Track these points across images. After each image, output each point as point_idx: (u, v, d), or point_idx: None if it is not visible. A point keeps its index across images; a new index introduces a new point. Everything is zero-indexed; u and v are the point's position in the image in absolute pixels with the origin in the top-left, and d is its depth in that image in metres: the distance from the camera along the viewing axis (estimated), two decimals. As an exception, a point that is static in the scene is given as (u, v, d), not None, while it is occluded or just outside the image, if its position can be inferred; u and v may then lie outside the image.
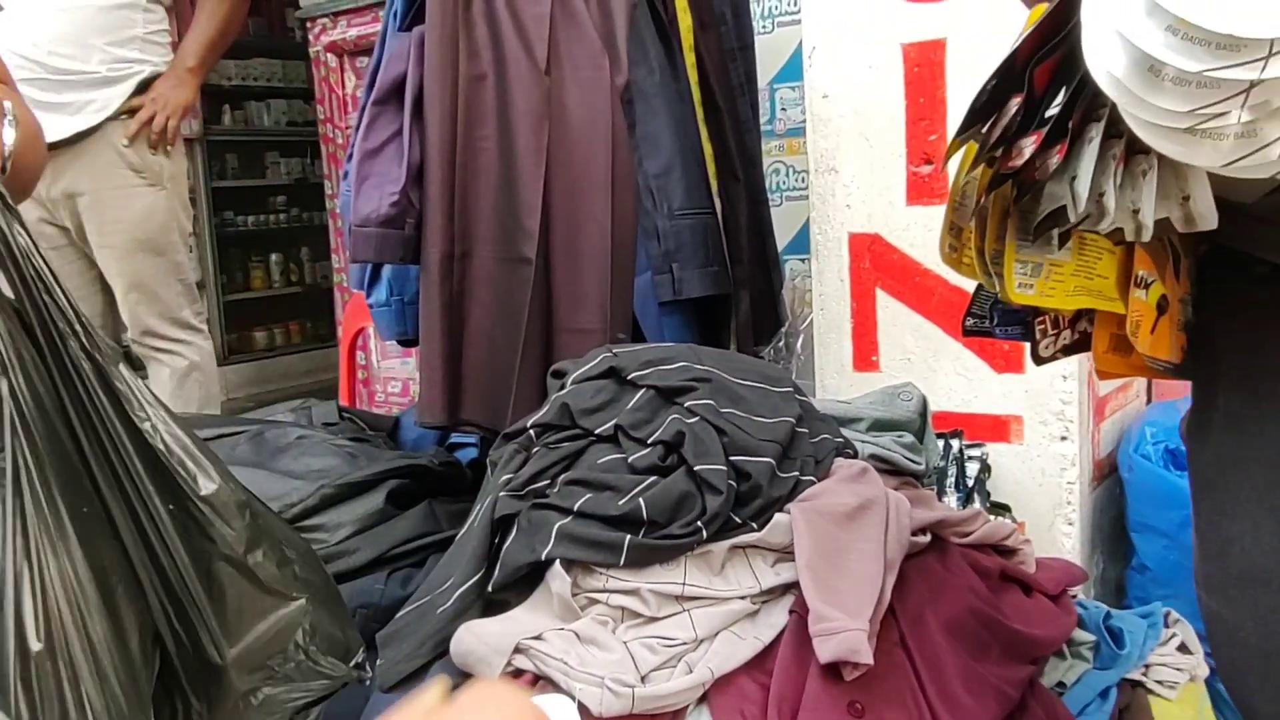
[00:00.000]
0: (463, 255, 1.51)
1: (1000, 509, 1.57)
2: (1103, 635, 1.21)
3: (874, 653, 0.92)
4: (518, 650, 0.95)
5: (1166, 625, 1.24)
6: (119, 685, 0.77)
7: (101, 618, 0.77)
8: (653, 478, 1.04)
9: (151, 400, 0.87)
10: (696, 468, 1.03)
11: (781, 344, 2.23)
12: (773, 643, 0.98)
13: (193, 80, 2.32)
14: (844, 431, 1.25)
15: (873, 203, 1.75)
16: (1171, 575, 1.70)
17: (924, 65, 1.67)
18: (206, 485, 0.88)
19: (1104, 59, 0.59)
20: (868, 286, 1.78)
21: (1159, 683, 1.18)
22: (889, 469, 1.25)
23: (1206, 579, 0.84)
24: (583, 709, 0.88)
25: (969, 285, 0.94)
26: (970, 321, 0.97)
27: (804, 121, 1.87)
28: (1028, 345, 0.93)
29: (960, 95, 1.63)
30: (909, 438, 1.33)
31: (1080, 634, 1.20)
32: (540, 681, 0.94)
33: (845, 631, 0.91)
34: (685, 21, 1.69)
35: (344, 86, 3.39)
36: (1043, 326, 0.92)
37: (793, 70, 2.45)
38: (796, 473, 1.09)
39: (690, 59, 1.70)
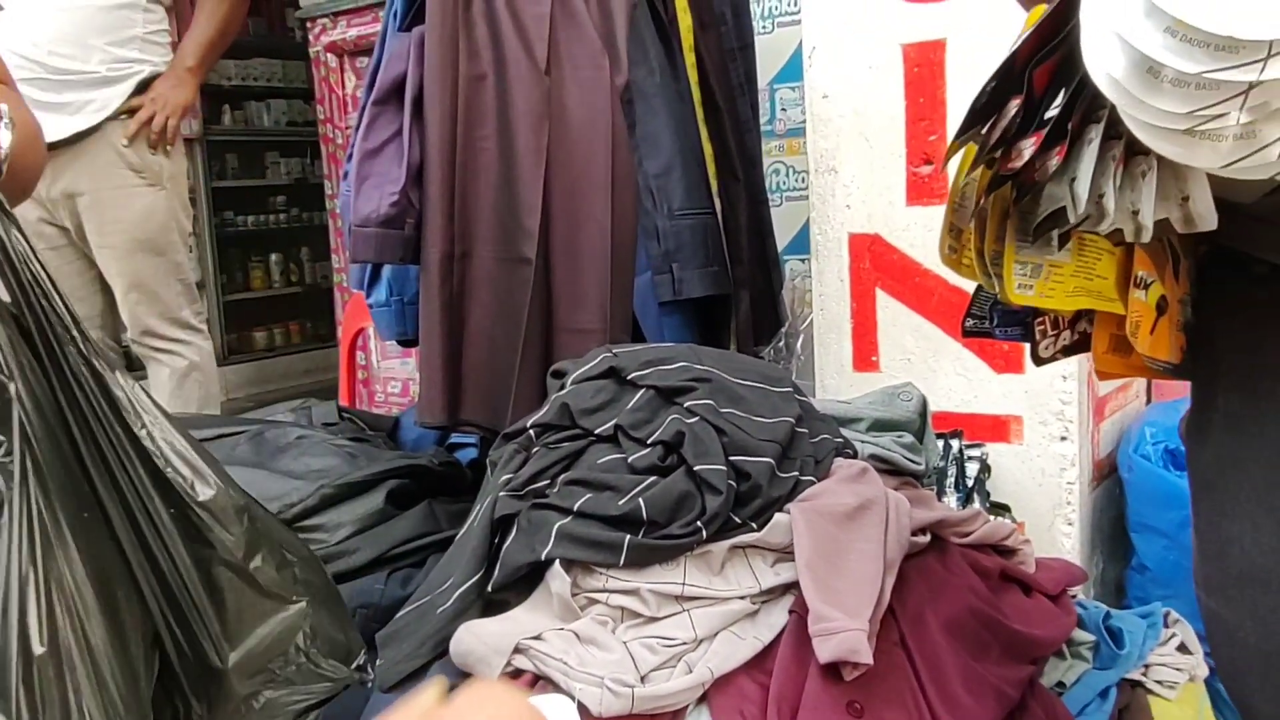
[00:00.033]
0: (463, 255, 1.51)
1: (1000, 509, 1.57)
2: (1102, 635, 1.21)
3: (874, 653, 0.92)
4: (517, 650, 0.95)
5: (1166, 625, 1.24)
6: (118, 689, 0.76)
7: (101, 622, 0.77)
8: (653, 478, 1.04)
9: (149, 406, 0.87)
10: (696, 468, 1.03)
11: (781, 344, 2.23)
12: (772, 643, 0.98)
13: (192, 80, 2.32)
14: (844, 431, 1.25)
15: (873, 203, 1.75)
16: (1171, 575, 1.70)
17: (924, 65, 1.67)
18: (204, 491, 0.88)
19: (1103, 60, 0.59)
20: (868, 287, 1.78)
21: (1159, 683, 1.18)
22: (889, 469, 1.25)
23: (1206, 579, 0.84)
24: (582, 709, 0.88)
25: (969, 286, 0.94)
26: (970, 322, 0.97)
27: (804, 121, 1.87)
28: (1027, 346, 0.93)
29: (960, 96, 1.63)
30: (909, 438, 1.33)
31: (1080, 634, 1.20)
32: (540, 681, 0.94)
33: (845, 631, 0.92)
34: (685, 21, 1.69)
35: (344, 86, 3.39)
36: (1042, 327, 0.92)
37: (793, 70, 2.45)
38: (796, 473, 1.09)
39: (690, 59, 1.70)
